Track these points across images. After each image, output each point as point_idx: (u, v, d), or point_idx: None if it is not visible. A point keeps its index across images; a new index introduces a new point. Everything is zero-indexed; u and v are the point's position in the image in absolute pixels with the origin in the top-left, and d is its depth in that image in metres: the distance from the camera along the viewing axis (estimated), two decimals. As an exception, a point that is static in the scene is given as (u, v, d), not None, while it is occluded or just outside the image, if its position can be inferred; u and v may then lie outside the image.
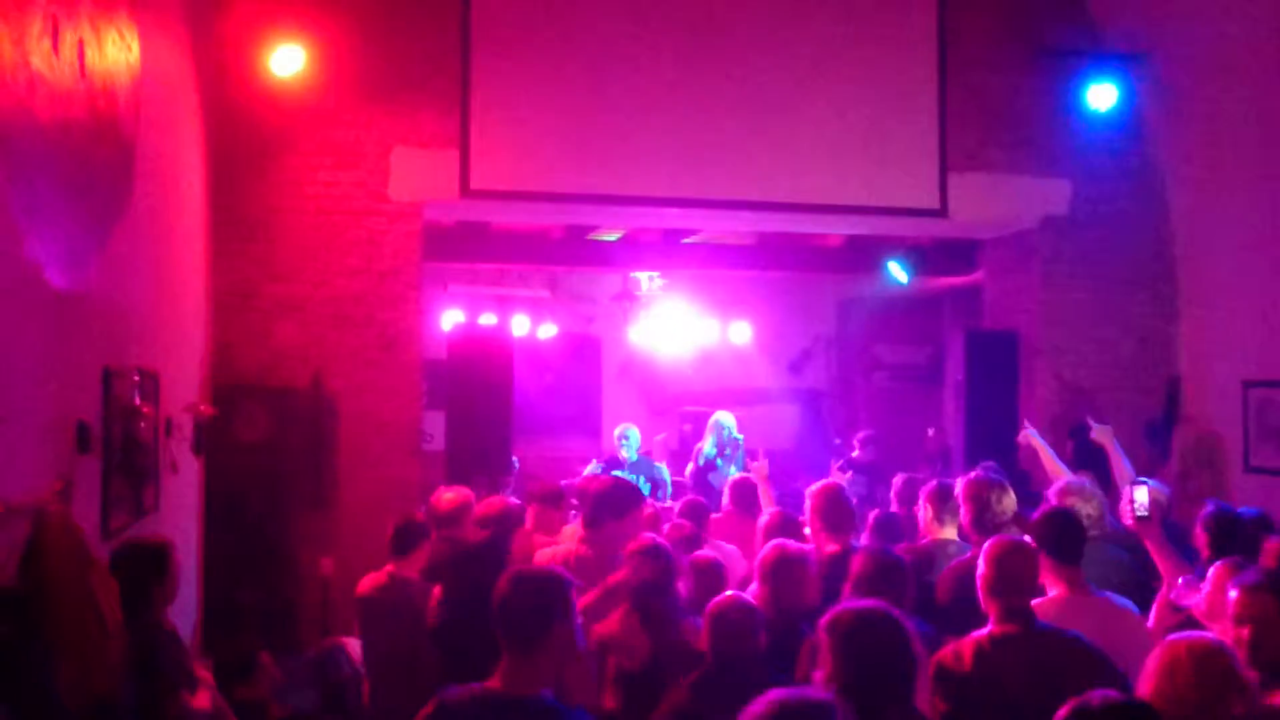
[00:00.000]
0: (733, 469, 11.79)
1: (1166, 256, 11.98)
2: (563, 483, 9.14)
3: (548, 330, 18.25)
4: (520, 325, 17.48)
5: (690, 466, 12.40)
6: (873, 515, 8.06)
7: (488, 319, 16.90)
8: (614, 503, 6.37)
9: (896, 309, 17.81)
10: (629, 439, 12.29)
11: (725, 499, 9.10)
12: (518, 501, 7.74)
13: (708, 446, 12.24)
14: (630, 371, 18.96)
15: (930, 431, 15.30)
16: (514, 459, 11.12)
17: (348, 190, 10.47)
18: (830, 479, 7.47)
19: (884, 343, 18.75)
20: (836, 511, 6.86)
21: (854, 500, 7.13)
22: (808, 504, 7.01)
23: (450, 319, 16.22)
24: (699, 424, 14.09)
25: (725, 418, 12.36)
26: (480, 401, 10.87)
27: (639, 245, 14.59)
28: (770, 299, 18.94)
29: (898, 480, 8.94)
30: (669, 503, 10.80)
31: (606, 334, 18.93)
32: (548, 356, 18.41)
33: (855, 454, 13.63)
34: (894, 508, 8.66)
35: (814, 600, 5.66)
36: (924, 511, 7.25)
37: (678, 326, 18.35)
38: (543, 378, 18.27)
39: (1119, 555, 6.60)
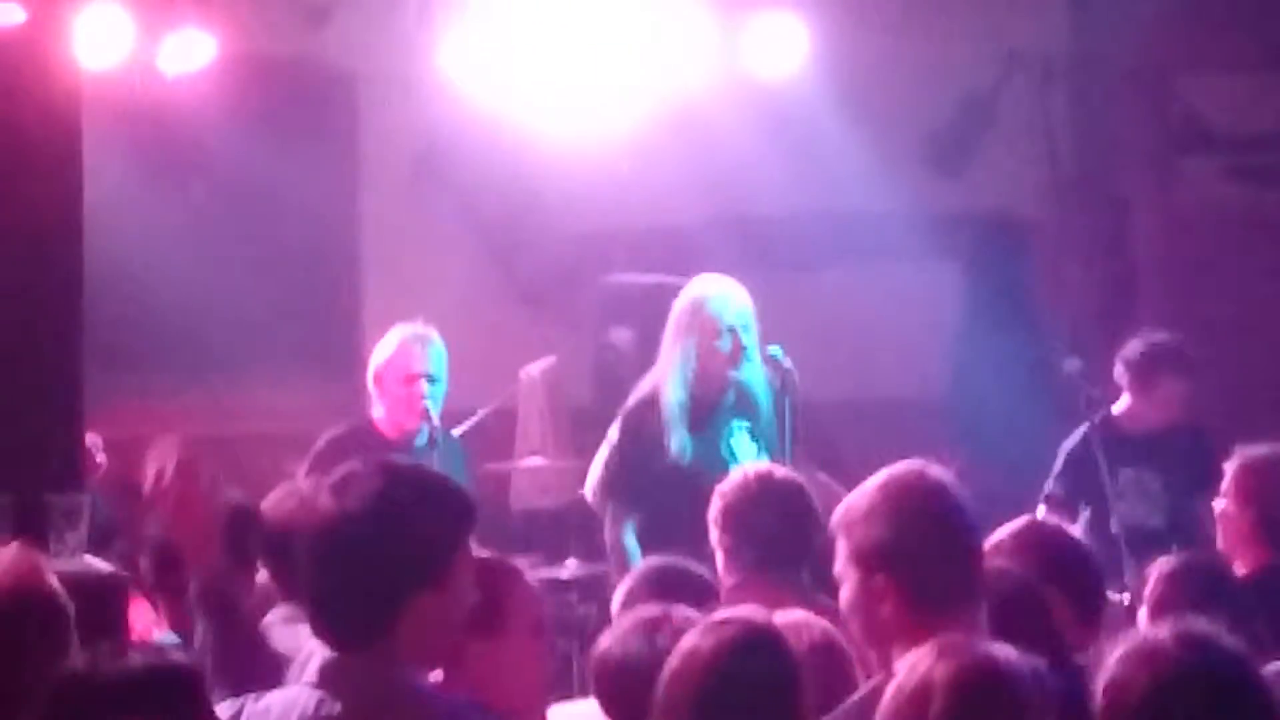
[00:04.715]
0: (754, 443, 5.49)
1: None
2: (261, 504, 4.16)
3: (195, 50, 5.56)
4: (102, 35, 5.13)
5: (615, 434, 5.64)
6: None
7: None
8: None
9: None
10: (427, 369, 5.51)
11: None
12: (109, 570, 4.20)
13: (671, 383, 5.46)
14: (444, 175, 8.01)
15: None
16: (93, 446, 5.36)
17: None
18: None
19: (1214, 72, 7.98)
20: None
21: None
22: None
23: None
24: (649, 318, 6.24)
25: (722, 298, 5.50)
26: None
27: None
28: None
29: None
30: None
31: (368, 62, 7.77)
32: (200, 129, 6.94)
33: (1120, 405, 6.10)
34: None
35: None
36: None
37: (577, 40, 6.50)
38: (187, 191, 7.60)
39: None
